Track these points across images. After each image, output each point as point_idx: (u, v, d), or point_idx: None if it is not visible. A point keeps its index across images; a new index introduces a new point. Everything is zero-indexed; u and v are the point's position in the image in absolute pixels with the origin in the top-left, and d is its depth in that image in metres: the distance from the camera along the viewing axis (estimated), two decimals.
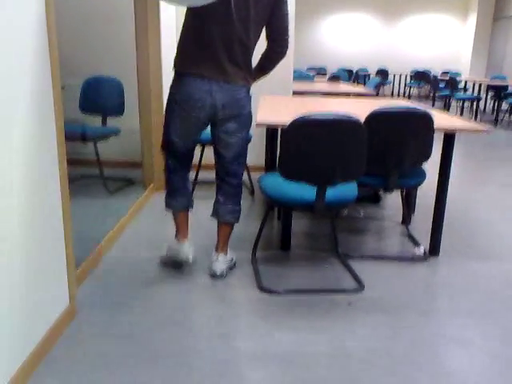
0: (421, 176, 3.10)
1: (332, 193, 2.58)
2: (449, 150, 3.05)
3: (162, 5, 4.25)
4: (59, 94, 2.10)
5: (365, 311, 2.45)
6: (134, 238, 3.33)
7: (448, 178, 3.08)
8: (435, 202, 3.12)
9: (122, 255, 3.04)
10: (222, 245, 2.85)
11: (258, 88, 4.92)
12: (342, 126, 2.41)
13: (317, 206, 2.54)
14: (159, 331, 2.23)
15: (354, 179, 2.59)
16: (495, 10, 15.35)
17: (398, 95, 16.16)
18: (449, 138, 3.04)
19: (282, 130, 2.80)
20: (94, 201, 4.14)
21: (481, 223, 3.88)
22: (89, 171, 4.83)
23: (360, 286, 2.67)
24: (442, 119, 3.18)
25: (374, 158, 2.78)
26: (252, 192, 4.51)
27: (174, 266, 2.94)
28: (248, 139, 2.84)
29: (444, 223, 3.15)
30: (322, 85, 6.78)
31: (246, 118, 2.70)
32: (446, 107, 12.52)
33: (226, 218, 2.81)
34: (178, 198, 2.85)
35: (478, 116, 10.42)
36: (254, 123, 3.65)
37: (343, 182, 2.54)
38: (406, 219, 3.67)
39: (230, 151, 2.73)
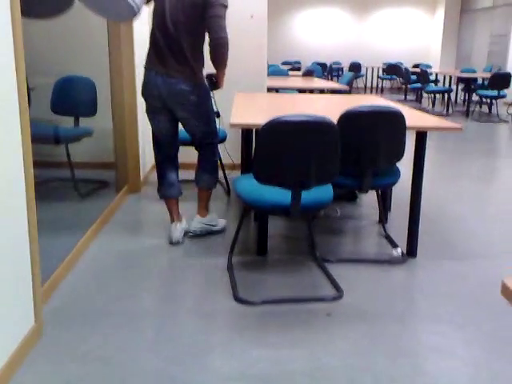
0: (395, 175, 3.08)
1: (307, 196, 2.53)
2: (421, 148, 3.03)
3: None
4: (25, 94, 2.00)
5: (344, 321, 2.39)
6: (106, 246, 3.24)
7: (422, 177, 3.06)
8: (410, 202, 3.10)
9: (93, 265, 2.94)
10: (198, 207, 3.41)
11: (233, 84, 4.87)
12: (315, 127, 2.37)
13: (292, 209, 2.50)
14: (129, 351, 2.13)
15: (329, 182, 2.55)
16: (462, 3, 15.51)
17: (371, 88, 16.23)
18: (421, 137, 3.02)
19: (256, 130, 2.77)
20: (64, 205, 4.01)
21: (456, 220, 3.89)
22: (59, 173, 4.66)
23: (338, 292, 2.63)
24: (415, 117, 3.15)
25: (348, 158, 2.75)
26: (228, 192, 4.44)
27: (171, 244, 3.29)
28: (211, 125, 3.29)
29: (420, 222, 3.14)
30: (296, 80, 6.76)
31: (193, 108, 3.15)
32: (418, 99, 12.62)
33: (201, 185, 3.37)
34: (167, 187, 3.33)
35: (450, 108, 10.50)
36: (227, 123, 3.60)
37: (318, 184, 2.50)
38: (383, 218, 3.65)
39: (194, 133, 3.29)
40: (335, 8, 16.77)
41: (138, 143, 4.43)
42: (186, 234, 3.40)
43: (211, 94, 3.33)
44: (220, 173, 3.71)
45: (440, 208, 4.15)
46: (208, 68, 3.23)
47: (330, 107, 3.64)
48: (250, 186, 2.66)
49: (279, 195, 2.53)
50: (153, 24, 3.10)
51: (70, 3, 3.39)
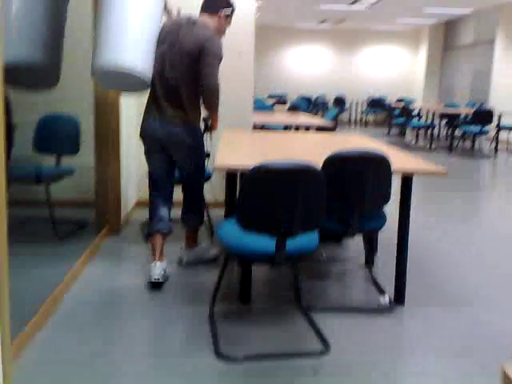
0: (381, 219, 3.01)
1: (292, 243, 2.44)
2: (407, 192, 2.98)
3: None
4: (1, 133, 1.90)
5: (331, 379, 2.28)
6: (83, 293, 3.10)
7: (408, 222, 3.01)
8: (397, 248, 3.03)
9: (69, 314, 2.81)
10: (186, 241, 3.59)
11: (219, 120, 4.80)
12: (300, 174, 2.31)
13: (277, 257, 2.41)
14: None
15: (315, 229, 2.47)
16: (444, 40, 15.82)
17: (356, 121, 16.37)
18: (407, 180, 2.96)
19: (241, 173, 2.70)
20: (41, 249, 3.88)
21: (444, 262, 3.82)
22: (37, 212, 4.54)
23: (325, 346, 2.51)
24: (400, 160, 3.10)
25: (333, 202, 2.68)
26: (211, 233, 4.33)
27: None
28: (200, 166, 3.46)
29: (407, 266, 3.06)
30: (281, 116, 6.77)
31: (188, 150, 3.33)
32: (402, 134, 12.71)
33: (188, 224, 3.54)
34: (155, 222, 3.37)
35: (433, 143, 10.56)
36: (211, 165, 3.54)
37: (304, 231, 2.42)
38: (369, 261, 3.57)
39: (185, 172, 3.44)
40: (320, 44, 17.05)
41: (119, 182, 4.33)
42: (166, 276, 3.33)
43: (205, 136, 3.50)
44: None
45: (426, 249, 4.08)
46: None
47: (315, 148, 3.59)
48: (233, 233, 2.56)
49: (263, 242, 2.43)
50: (153, 72, 3.16)
51: (56, 81, 3.31)
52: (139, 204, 5.11)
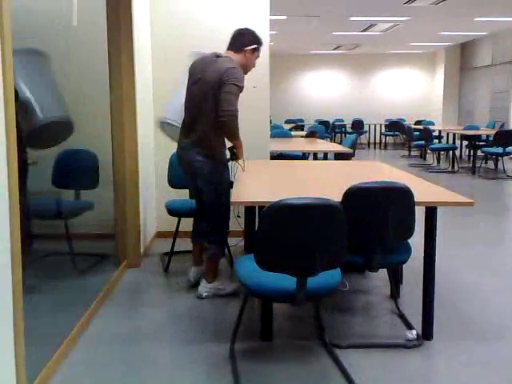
0: (406, 252, 2.92)
1: (313, 281, 2.36)
2: (432, 223, 2.88)
3: (138, 78, 4.20)
4: (15, 171, 1.89)
5: None
6: (102, 331, 3.04)
7: (434, 253, 2.91)
8: (423, 281, 2.93)
9: (87, 354, 2.75)
10: (204, 272, 3.62)
11: None
12: (319, 211, 2.25)
13: (298, 297, 2.33)
14: None
15: (336, 266, 2.40)
16: (461, 62, 15.74)
17: (375, 144, 16.26)
18: (431, 211, 2.87)
19: (259, 207, 2.65)
20: (60, 283, 3.83)
21: (472, 291, 3.70)
22: (57, 246, 4.51)
23: None
24: (423, 191, 3.01)
25: (355, 235, 2.59)
26: (231, 263, 4.26)
27: None
28: (220, 196, 3.42)
29: (435, 298, 2.95)
30: (299, 143, 6.74)
31: (204, 177, 3.41)
32: (423, 156, 12.57)
33: (207, 254, 3.57)
34: (194, 234, 3.79)
35: (456, 165, 10.41)
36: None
37: (324, 270, 2.34)
38: (395, 294, 3.46)
39: (205, 200, 3.49)
40: (336, 68, 17.08)
41: (139, 215, 4.31)
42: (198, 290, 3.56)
43: (231, 164, 3.58)
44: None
45: (454, 277, 3.96)
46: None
47: (334, 178, 3.53)
48: (251, 270, 2.48)
49: (283, 281, 2.35)
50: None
51: (70, 131, 3.71)
52: (159, 235, 5.09)
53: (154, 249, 4.76)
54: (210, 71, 3.28)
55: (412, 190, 2.66)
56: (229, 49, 3.45)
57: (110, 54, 4.02)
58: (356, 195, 2.63)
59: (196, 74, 3.37)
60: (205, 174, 3.38)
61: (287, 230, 2.24)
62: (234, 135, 3.37)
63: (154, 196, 5.07)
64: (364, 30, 12.11)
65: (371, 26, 11.46)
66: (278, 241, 2.26)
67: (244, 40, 3.41)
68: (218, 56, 3.35)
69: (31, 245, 3.89)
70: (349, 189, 2.62)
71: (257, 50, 3.45)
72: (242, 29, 3.49)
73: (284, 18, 10.30)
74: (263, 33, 4.87)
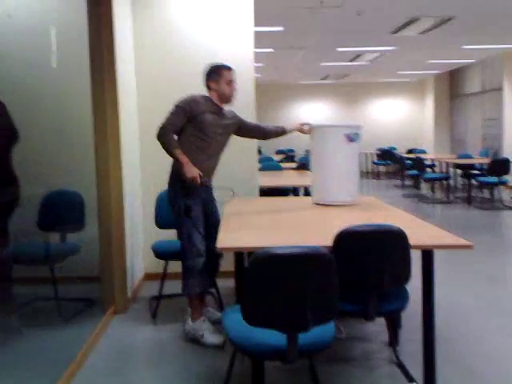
0: (403, 298, 2.75)
1: (305, 336, 2.18)
2: (429, 266, 2.72)
3: (123, 117, 4.11)
4: None
5: None
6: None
7: (432, 299, 2.73)
8: (423, 329, 2.74)
9: None
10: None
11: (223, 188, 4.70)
12: (308, 261, 2.09)
13: (289, 355, 2.15)
14: None
15: (329, 321, 2.23)
16: (451, 89, 15.81)
17: (367, 173, 16.16)
18: (428, 254, 2.72)
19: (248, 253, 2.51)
20: (46, 331, 3.66)
21: (475, 336, 3.53)
22: (41, 290, 4.31)
23: None
24: (418, 232, 2.86)
25: (348, 283, 2.44)
26: (221, 306, 4.08)
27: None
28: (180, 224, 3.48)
29: (436, 346, 2.76)
30: (289, 176, 6.62)
31: (174, 210, 3.52)
32: (417, 185, 12.48)
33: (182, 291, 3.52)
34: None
35: (450, 195, 10.32)
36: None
37: (316, 325, 2.17)
38: (393, 343, 3.28)
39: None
40: (325, 98, 17.13)
41: (125, 257, 4.16)
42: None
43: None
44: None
45: (455, 320, 3.79)
46: None
47: (325, 218, 3.36)
48: (238, 325, 2.31)
49: (273, 337, 2.18)
50: None
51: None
52: (147, 277, 4.92)
53: (142, 292, 4.59)
54: None
55: (407, 231, 2.51)
56: (206, 88, 3.62)
57: (93, 93, 3.93)
58: (347, 239, 2.48)
59: None
60: (173, 206, 3.50)
61: (274, 282, 2.08)
62: (165, 150, 3.40)
63: (142, 236, 4.91)
64: (351, 60, 12.15)
65: (358, 55, 11.49)
66: (265, 294, 2.10)
67: (206, 78, 3.59)
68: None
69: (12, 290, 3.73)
70: (340, 232, 2.48)
71: (220, 76, 3.54)
72: (205, 69, 3.64)
73: (270, 50, 10.31)
74: (248, 66, 4.88)
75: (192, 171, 3.34)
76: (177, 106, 3.43)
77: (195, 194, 3.46)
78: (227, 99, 3.61)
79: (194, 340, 3.46)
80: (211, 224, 3.58)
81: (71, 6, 4.17)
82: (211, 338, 3.43)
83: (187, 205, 3.44)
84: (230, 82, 3.57)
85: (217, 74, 3.55)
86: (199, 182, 3.37)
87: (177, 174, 3.43)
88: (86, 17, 3.86)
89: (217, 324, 3.56)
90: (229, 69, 3.59)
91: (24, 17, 4.09)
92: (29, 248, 4.05)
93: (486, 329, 3.69)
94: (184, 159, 3.35)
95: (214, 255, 3.45)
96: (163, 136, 3.37)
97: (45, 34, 3.83)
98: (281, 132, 4.15)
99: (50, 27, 3.47)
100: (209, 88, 3.59)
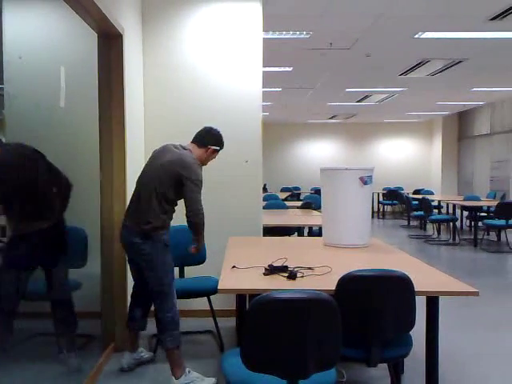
0: (406, 344, 2.71)
1: (306, 382, 2.14)
2: (433, 311, 2.69)
3: (130, 156, 4.14)
4: None
5: None
6: None
7: (437, 346, 2.71)
8: (426, 375, 2.70)
9: None
10: (170, 368, 3.36)
11: (227, 227, 4.77)
12: (310, 306, 2.06)
13: None
14: None
15: (330, 368, 2.18)
16: (459, 131, 15.87)
17: (372, 213, 16.08)
18: (433, 300, 2.69)
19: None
20: (45, 367, 3.61)
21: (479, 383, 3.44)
22: (42, 325, 4.26)
23: None
24: (424, 278, 2.82)
25: (350, 328, 2.41)
26: (221, 347, 4.02)
27: None
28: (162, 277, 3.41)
29: None
30: (294, 215, 6.59)
31: (146, 258, 3.41)
32: (422, 226, 12.41)
33: (161, 345, 3.48)
34: (129, 320, 3.74)
35: (457, 237, 10.24)
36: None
37: (317, 371, 2.13)
38: None
39: (149, 283, 3.45)
40: (332, 137, 17.22)
41: (126, 294, 4.12)
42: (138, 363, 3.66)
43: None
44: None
45: (457, 366, 3.72)
46: None
47: (327, 260, 3.32)
48: (239, 368, 2.26)
49: (273, 382, 2.14)
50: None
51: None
52: (149, 314, 4.86)
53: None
54: (168, 156, 3.44)
55: (412, 277, 2.50)
56: (193, 141, 3.61)
57: (101, 133, 3.98)
58: (350, 284, 2.48)
59: (153, 158, 3.57)
60: (146, 254, 3.38)
61: (275, 327, 2.05)
62: (201, 231, 3.45)
63: None
64: (359, 101, 12.26)
65: (366, 96, 11.60)
66: (265, 339, 2.07)
67: (210, 139, 3.62)
68: (181, 147, 3.52)
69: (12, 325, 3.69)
70: (342, 277, 2.47)
71: (217, 151, 3.67)
72: (212, 129, 3.69)
73: (279, 90, 10.44)
74: (256, 105, 4.91)
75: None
76: (200, 186, 3.40)
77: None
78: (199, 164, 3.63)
79: None
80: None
81: (82, 46, 4.23)
82: (204, 382, 3.34)
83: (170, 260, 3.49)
84: (212, 159, 3.71)
85: (217, 147, 3.65)
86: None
87: (160, 230, 3.41)
88: (96, 56, 3.93)
89: (148, 362, 3.66)
90: (221, 149, 3.72)
91: (34, 58, 4.15)
92: (33, 285, 4.02)
93: (489, 375, 3.62)
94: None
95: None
96: (201, 216, 3.38)
97: (54, 73, 3.89)
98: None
99: (60, 67, 3.52)
100: (202, 147, 3.58)
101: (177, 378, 3.30)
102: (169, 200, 3.43)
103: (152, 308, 3.60)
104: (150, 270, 3.40)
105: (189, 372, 3.37)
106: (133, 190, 4.09)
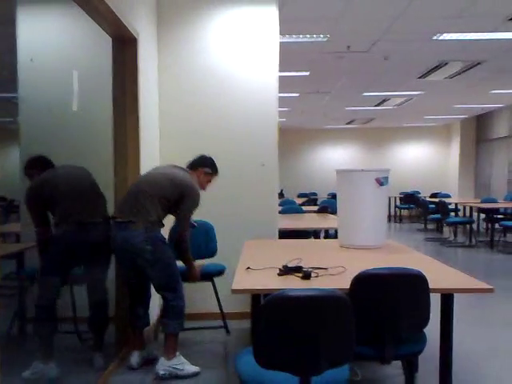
0: (421, 341, 2.70)
1: (319, 379, 2.15)
2: (448, 310, 2.69)
3: (144, 162, 4.18)
4: None
5: None
6: None
7: (451, 344, 2.70)
8: (440, 373, 2.69)
9: None
10: (164, 349, 3.59)
11: (243, 231, 4.78)
12: (323, 303, 2.08)
13: None
14: None
15: (343, 364, 2.20)
16: (477, 134, 15.73)
17: (389, 217, 16.01)
18: (448, 297, 2.69)
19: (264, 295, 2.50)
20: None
21: (493, 382, 3.43)
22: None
23: None
24: (438, 276, 2.82)
25: (364, 326, 2.43)
26: (226, 328, 4.34)
27: None
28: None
29: None
30: (310, 219, 6.58)
31: (149, 256, 3.50)
32: (439, 229, 12.34)
33: (163, 329, 3.65)
34: (133, 319, 3.81)
35: (473, 239, 10.16)
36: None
37: (330, 368, 2.14)
38: None
39: (154, 278, 3.58)
40: (350, 142, 17.23)
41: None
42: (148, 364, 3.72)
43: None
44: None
45: (472, 364, 3.70)
46: None
47: (343, 261, 3.34)
48: (252, 366, 2.28)
49: (286, 379, 2.15)
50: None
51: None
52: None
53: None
54: (175, 171, 3.69)
55: (426, 275, 2.50)
56: (187, 167, 3.84)
57: (115, 137, 4.02)
58: (365, 282, 2.48)
59: (157, 169, 3.83)
60: (150, 252, 3.47)
61: (288, 325, 2.07)
62: (186, 250, 3.71)
63: None
64: (377, 105, 12.22)
65: (384, 100, 11.56)
66: (278, 337, 2.08)
67: (201, 162, 3.88)
68: (177, 167, 3.76)
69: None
70: (357, 275, 2.48)
71: (210, 174, 3.89)
72: (204, 155, 3.94)
73: (296, 95, 10.44)
74: (272, 110, 4.92)
75: (198, 275, 3.92)
76: (196, 207, 3.64)
77: None
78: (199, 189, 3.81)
79: (173, 377, 3.52)
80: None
81: (96, 50, 4.26)
82: (191, 368, 3.59)
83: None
84: (210, 183, 3.94)
85: (211, 172, 3.90)
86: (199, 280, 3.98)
87: (158, 224, 3.57)
88: (110, 60, 3.95)
89: (153, 361, 3.68)
90: (217, 174, 3.96)
91: (46, 60, 4.17)
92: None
93: (504, 374, 3.60)
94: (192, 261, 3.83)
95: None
96: (187, 233, 3.69)
97: (67, 77, 3.92)
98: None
99: (72, 71, 3.55)
100: (194, 170, 3.82)
101: (169, 359, 3.53)
102: (166, 206, 3.57)
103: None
104: (156, 267, 3.50)
105: (179, 355, 3.60)
106: None
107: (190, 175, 3.74)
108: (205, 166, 3.87)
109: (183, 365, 3.57)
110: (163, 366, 3.53)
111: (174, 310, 3.55)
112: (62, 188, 3.55)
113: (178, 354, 3.60)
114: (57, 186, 3.55)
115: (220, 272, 4.43)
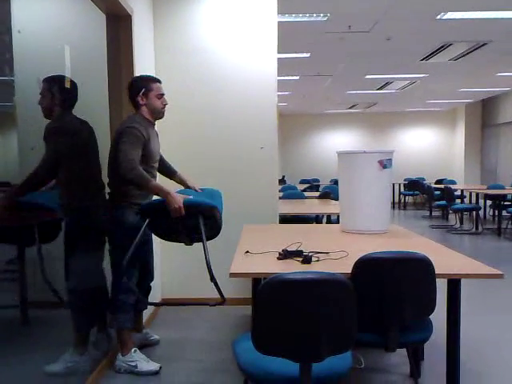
0: (426, 329, 2.60)
1: (320, 366, 2.04)
2: (455, 296, 2.56)
3: None
4: None
5: None
6: None
7: (458, 332, 2.57)
8: (447, 362, 2.57)
9: None
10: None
11: (243, 215, 4.71)
12: (324, 287, 1.96)
13: None
14: None
15: (345, 351, 2.08)
16: (483, 119, 15.52)
17: (393, 203, 15.87)
18: (454, 283, 2.56)
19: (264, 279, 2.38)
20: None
21: (501, 370, 3.33)
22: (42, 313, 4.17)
23: None
24: (444, 260, 2.70)
25: (368, 312, 2.33)
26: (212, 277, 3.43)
27: None
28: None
29: (460, 377, 2.59)
30: (312, 204, 6.45)
31: (120, 230, 3.28)
32: (445, 216, 12.19)
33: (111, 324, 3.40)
34: None
35: (480, 226, 10.01)
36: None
37: (332, 354, 2.03)
38: (415, 374, 3.10)
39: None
40: (352, 127, 17.06)
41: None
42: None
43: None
44: None
45: (479, 353, 3.59)
46: None
47: (345, 246, 3.21)
48: (251, 352, 2.17)
49: (286, 366, 2.06)
50: None
51: None
52: (165, 302, 4.82)
53: (160, 317, 4.49)
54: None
55: (432, 260, 2.37)
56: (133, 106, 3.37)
57: (111, 115, 3.90)
58: (367, 266, 2.37)
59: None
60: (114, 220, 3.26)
61: (287, 309, 1.96)
62: (139, 185, 3.11)
63: (158, 262, 4.81)
64: (380, 88, 12.03)
65: (387, 83, 11.37)
66: (277, 321, 1.98)
67: (131, 93, 3.32)
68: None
69: None
70: (359, 259, 2.36)
71: (149, 90, 3.30)
72: (131, 81, 3.40)
73: (296, 78, 10.25)
74: (271, 90, 4.77)
75: (179, 201, 3.02)
76: (131, 133, 3.11)
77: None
78: (160, 114, 3.38)
79: (129, 373, 3.35)
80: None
81: (89, 25, 4.13)
82: (146, 366, 3.35)
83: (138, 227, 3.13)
84: (161, 96, 3.35)
85: (146, 87, 3.29)
86: (183, 212, 3.02)
87: (128, 196, 3.23)
88: (104, 37, 3.85)
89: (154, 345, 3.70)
90: (158, 81, 3.36)
91: (35, 33, 4.03)
92: None
93: (510, 362, 3.49)
94: (166, 188, 3.07)
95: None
96: (132, 171, 3.02)
97: (59, 53, 3.78)
98: (169, 174, 3.70)
99: (64, 45, 3.40)
100: (137, 104, 3.31)
101: (123, 355, 3.36)
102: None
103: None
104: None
105: (135, 352, 3.39)
106: None
107: (135, 114, 3.32)
108: (138, 92, 3.29)
109: (137, 362, 3.35)
110: (118, 360, 3.38)
111: (115, 303, 3.31)
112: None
113: (133, 350, 3.39)
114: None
115: (211, 208, 3.19)
